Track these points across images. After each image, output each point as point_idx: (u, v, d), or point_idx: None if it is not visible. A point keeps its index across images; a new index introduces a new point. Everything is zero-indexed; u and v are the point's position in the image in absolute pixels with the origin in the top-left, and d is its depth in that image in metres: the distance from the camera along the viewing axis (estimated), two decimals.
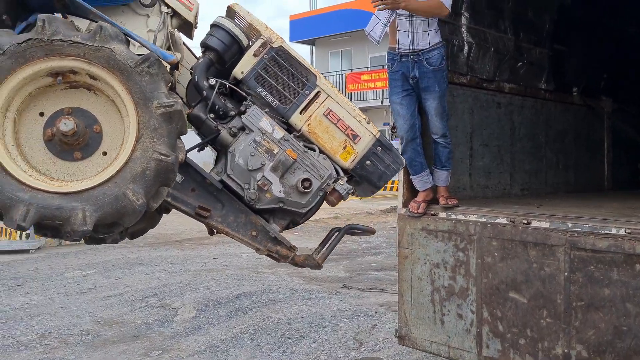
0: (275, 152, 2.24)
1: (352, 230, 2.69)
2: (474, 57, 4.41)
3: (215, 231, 2.47)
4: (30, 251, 8.25)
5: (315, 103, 2.35)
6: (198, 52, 2.57)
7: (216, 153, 2.52)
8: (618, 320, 2.85)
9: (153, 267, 7.22)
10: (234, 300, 5.64)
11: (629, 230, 2.83)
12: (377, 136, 2.43)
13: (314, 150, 2.33)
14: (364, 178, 2.45)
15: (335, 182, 2.34)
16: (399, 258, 3.94)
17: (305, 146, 2.32)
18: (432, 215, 3.74)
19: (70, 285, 6.32)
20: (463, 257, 3.54)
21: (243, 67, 2.32)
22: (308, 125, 2.34)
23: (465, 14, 4.29)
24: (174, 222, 11.86)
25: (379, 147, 2.43)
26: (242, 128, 2.25)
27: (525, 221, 3.25)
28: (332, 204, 2.42)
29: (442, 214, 3.69)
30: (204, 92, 2.29)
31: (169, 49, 2.42)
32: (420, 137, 3.60)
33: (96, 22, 2.16)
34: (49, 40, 1.87)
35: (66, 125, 1.90)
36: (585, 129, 5.72)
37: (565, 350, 3.05)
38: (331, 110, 2.35)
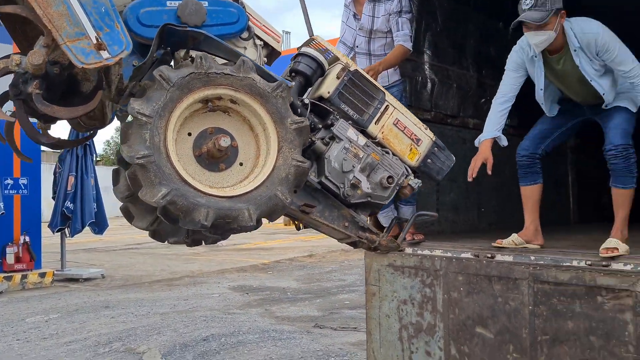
0: (361, 156, 2.68)
1: (420, 217, 3.17)
2: (437, 94, 4.48)
3: (302, 226, 2.88)
4: None
5: (386, 114, 2.80)
6: None
7: None
8: (583, 354, 2.82)
9: (120, 310, 7.00)
10: (202, 343, 5.47)
11: (589, 262, 2.83)
12: (434, 139, 2.91)
13: (388, 153, 2.78)
14: (426, 174, 2.92)
15: (406, 177, 2.80)
16: (366, 295, 3.88)
17: (382, 150, 2.75)
18: (399, 251, 3.71)
19: (30, 330, 6.07)
20: (430, 293, 3.50)
21: (328, 88, 2.70)
22: (382, 133, 2.79)
23: (428, 52, 4.38)
24: (145, 264, 11.62)
25: (436, 148, 2.92)
26: (332, 137, 2.65)
27: (489, 255, 3.24)
28: (405, 196, 2.87)
29: (409, 250, 3.66)
30: (299, 110, 2.60)
31: None
32: None
33: (213, 55, 2.49)
34: (206, 73, 2.25)
35: (225, 142, 2.30)
36: (550, 164, 5.80)
37: None
38: (399, 120, 2.81)
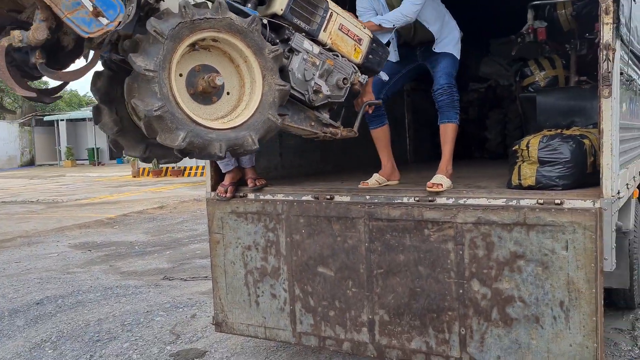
0: (318, 64, 2.96)
1: (368, 105, 3.40)
2: None
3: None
4: None
5: (331, 21, 3.04)
6: None
7: None
8: (412, 283, 3.03)
9: None
10: (35, 307, 5.05)
11: (417, 198, 3.01)
12: (372, 36, 3.20)
13: (338, 56, 3.06)
14: (369, 68, 3.22)
15: (355, 75, 3.10)
16: (210, 244, 3.80)
17: (333, 55, 3.05)
18: (241, 197, 3.66)
19: None
20: (273, 237, 3.51)
21: (281, 5, 2.87)
22: (331, 39, 3.05)
23: None
24: None
25: (374, 44, 3.20)
26: (291, 50, 2.89)
27: (328, 197, 3.31)
28: (357, 91, 3.22)
29: (251, 196, 3.62)
30: None
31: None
32: None
33: None
34: (191, 21, 2.42)
35: (220, 80, 2.55)
36: (389, 107, 6.05)
37: (370, 317, 3.18)
38: (342, 25, 3.08)
